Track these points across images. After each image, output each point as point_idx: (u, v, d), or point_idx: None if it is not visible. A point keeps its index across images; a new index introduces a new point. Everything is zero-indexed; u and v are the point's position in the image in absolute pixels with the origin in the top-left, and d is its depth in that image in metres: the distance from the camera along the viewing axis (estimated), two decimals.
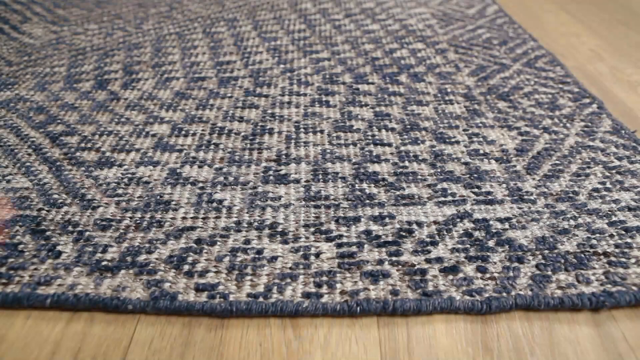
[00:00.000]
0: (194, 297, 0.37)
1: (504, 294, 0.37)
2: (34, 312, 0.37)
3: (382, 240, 0.42)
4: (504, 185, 0.49)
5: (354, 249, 0.41)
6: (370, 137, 0.56)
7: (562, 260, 0.40)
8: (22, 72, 0.74)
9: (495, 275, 0.39)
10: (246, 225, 0.44)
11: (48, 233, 0.43)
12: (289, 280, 0.38)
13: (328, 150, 0.54)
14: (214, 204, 0.47)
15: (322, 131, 0.58)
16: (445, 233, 0.43)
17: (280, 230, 0.43)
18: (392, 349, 0.34)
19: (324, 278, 0.39)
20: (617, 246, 0.41)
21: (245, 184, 0.49)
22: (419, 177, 0.50)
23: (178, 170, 0.51)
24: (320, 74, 0.70)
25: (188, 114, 0.62)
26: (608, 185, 0.48)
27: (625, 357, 0.33)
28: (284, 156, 0.53)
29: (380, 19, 0.91)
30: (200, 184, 0.49)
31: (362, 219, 0.44)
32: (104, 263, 0.40)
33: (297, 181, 0.50)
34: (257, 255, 0.41)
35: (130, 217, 0.45)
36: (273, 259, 0.40)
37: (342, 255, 0.41)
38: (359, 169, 0.51)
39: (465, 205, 0.46)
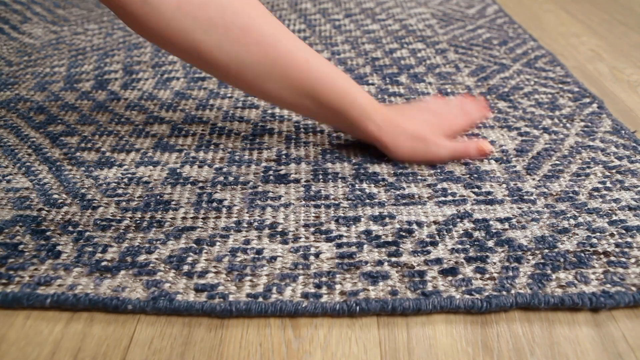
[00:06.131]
0: (194, 297, 0.37)
1: (504, 293, 0.37)
2: (33, 312, 0.37)
3: (382, 241, 0.42)
4: (504, 186, 0.49)
5: (353, 249, 0.41)
6: None
7: (562, 260, 0.40)
8: (22, 72, 0.74)
9: (495, 275, 0.39)
10: (246, 225, 0.44)
11: (48, 233, 0.43)
12: (288, 280, 0.38)
13: (328, 150, 0.54)
14: (214, 204, 0.47)
15: (322, 131, 0.58)
16: (445, 233, 0.43)
17: (280, 230, 0.43)
18: (392, 349, 0.34)
19: (324, 279, 0.39)
20: (617, 245, 0.41)
21: (245, 183, 0.49)
22: (419, 177, 0.50)
23: (178, 170, 0.51)
24: None
25: (188, 114, 0.62)
26: (608, 184, 0.48)
27: (625, 357, 0.33)
28: (283, 156, 0.53)
29: (380, 19, 0.91)
30: (200, 184, 0.49)
31: (362, 219, 0.44)
32: (103, 263, 0.40)
33: (297, 181, 0.50)
34: (256, 256, 0.41)
35: (130, 217, 0.45)
36: (272, 259, 0.40)
37: (342, 255, 0.41)
38: (359, 169, 0.51)
39: (465, 205, 0.46)
